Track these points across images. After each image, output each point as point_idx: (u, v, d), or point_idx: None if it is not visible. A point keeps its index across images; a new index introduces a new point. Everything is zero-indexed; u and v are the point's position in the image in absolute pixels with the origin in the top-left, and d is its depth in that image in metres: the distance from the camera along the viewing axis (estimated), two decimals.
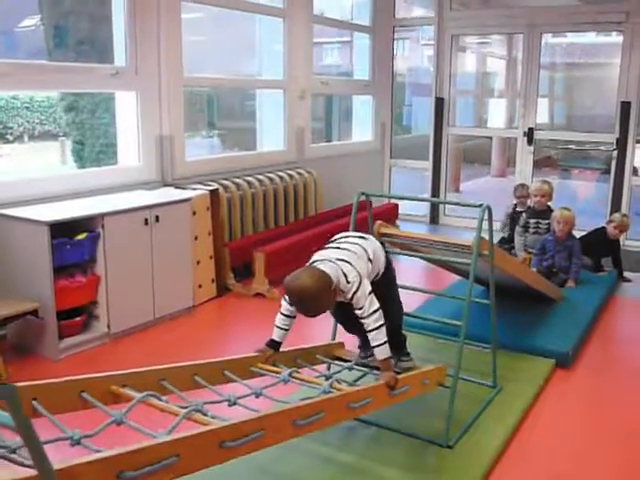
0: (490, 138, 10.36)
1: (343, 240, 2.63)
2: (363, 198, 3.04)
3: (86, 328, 3.85)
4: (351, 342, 2.95)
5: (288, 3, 5.88)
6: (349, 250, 2.51)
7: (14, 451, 1.40)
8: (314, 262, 2.45)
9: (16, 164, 8.23)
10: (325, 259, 2.44)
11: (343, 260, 2.43)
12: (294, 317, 2.58)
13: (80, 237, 3.70)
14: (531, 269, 4.54)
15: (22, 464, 1.34)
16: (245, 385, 2.22)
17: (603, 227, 5.28)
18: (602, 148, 7.01)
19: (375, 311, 2.41)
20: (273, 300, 4.54)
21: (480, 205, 2.74)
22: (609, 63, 9.12)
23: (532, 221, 5.23)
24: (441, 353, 3.43)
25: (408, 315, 2.99)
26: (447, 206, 7.57)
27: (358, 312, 2.42)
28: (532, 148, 6.93)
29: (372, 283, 2.52)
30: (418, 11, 9.09)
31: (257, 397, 2.13)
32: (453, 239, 2.97)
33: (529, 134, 6.88)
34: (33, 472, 1.17)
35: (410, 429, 2.76)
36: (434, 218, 7.49)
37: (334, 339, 2.96)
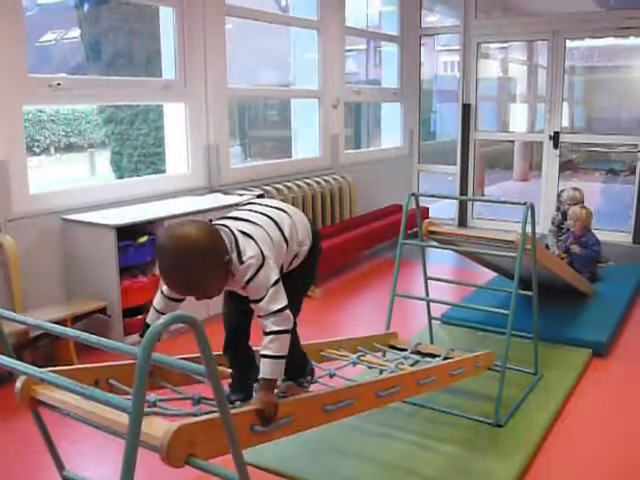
0: (512, 142, 10.55)
1: (251, 208, 1.99)
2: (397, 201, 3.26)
3: None
4: (404, 332, 3.17)
5: (322, 15, 6.14)
6: (255, 223, 1.88)
7: (199, 401, 1.75)
8: None
9: (46, 175, 8.53)
10: (221, 224, 1.83)
11: (244, 233, 1.80)
12: (179, 300, 1.96)
13: (142, 240, 3.97)
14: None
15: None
16: (318, 367, 2.45)
17: None
18: (627, 150, 7.18)
19: (279, 310, 1.77)
20: (317, 300, 4.80)
21: (524, 203, 2.96)
22: (630, 66, 9.30)
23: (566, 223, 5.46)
24: (482, 345, 3.57)
25: (455, 306, 3.21)
26: (475, 209, 7.77)
27: (253, 306, 1.81)
28: (558, 152, 7.12)
29: (285, 273, 1.95)
30: (433, 17, 9.27)
31: (331, 377, 2.37)
32: (499, 235, 3.19)
33: (555, 138, 7.07)
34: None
35: (461, 411, 2.99)
36: (462, 221, 7.69)
37: (388, 329, 3.18)
